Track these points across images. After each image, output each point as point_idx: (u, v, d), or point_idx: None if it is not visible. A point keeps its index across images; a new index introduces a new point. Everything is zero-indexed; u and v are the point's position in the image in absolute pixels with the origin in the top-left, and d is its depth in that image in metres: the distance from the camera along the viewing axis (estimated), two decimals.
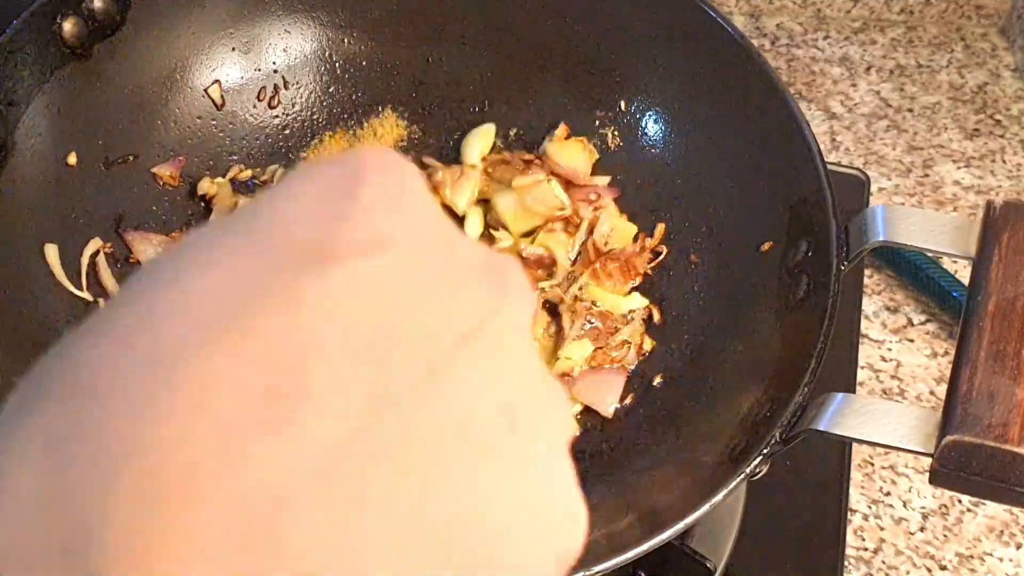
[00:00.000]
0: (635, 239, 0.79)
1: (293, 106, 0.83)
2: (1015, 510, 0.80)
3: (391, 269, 0.25)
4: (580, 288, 0.76)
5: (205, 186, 0.78)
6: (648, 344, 0.75)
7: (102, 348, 0.23)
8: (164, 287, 0.24)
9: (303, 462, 0.22)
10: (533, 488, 0.27)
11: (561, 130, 0.82)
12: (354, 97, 0.84)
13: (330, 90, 0.84)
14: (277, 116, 0.83)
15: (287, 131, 0.83)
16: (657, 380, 0.74)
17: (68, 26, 0.71)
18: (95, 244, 0.74)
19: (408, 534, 0.23)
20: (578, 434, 0.68)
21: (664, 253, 0.78)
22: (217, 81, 0.81)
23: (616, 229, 0.78)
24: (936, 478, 0.55)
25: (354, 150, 0.28)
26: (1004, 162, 1.01)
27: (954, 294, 0.88)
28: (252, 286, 0.23)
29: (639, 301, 0.76)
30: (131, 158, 0.77)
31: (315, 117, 0.83)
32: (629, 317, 0.76)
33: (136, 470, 0.21)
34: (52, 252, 0.71)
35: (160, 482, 0.21)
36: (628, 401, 0.74)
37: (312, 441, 0.22)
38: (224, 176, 0.80)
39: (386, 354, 0.24)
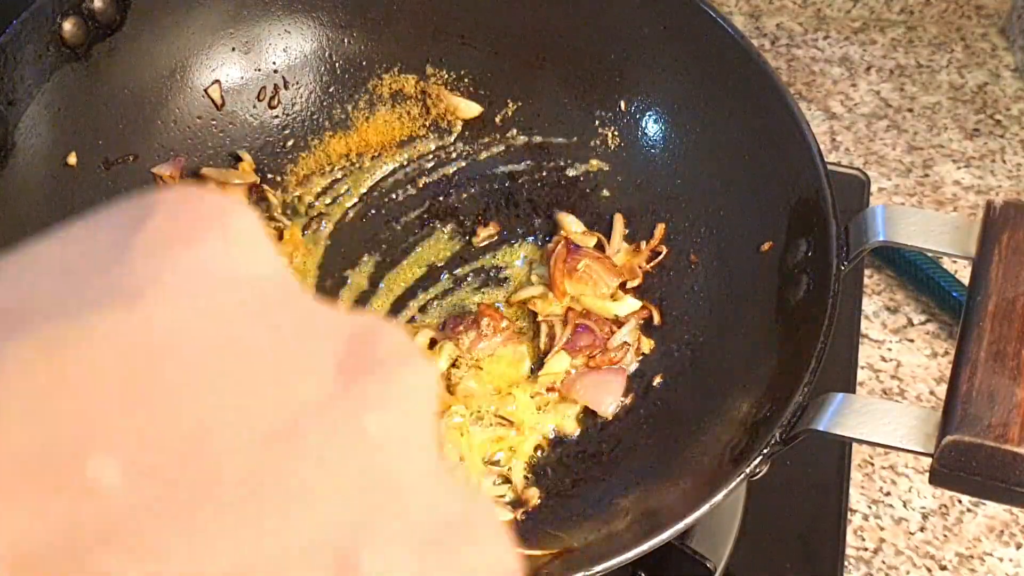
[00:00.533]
0: (631, 240, 0.79)
1: (293, 106, 0.83)
2: (1015, 510, 0.80)
3: (130, 337, 0.18)
4: (573, 299, 0.76)
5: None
6: (647, 345, 0.75)
7: None
8: None
9: None
10: None
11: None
12: (354, 97, 0.84)
13: (330, 90, 0.84)
14: (277, 116, 0.83)
15: (287, 131, 0.83)
16: (657, 380, 0.74)
17: (68, 26, 0.71)
18: None
19: None
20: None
21: (664, 253, 0.78)
22: (217, 81, 0.81)
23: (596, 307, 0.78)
24: (936, 478, 0.55)
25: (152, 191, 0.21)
26: (1004, 162, 1.01)
27: (954, 294, 0.88)
28: None
29: (632, 304, 0.76)
30: (131, 158, 0.77)
31: (315, 117, 0.83)
32: (625, 319, 0.76)
33: None
34: None
35: None
36: (628, 401, 0.74)
37: None
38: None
39: (75, 469, 0.17)
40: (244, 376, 0.19)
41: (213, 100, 0.80)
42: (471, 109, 0.84)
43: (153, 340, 0.18)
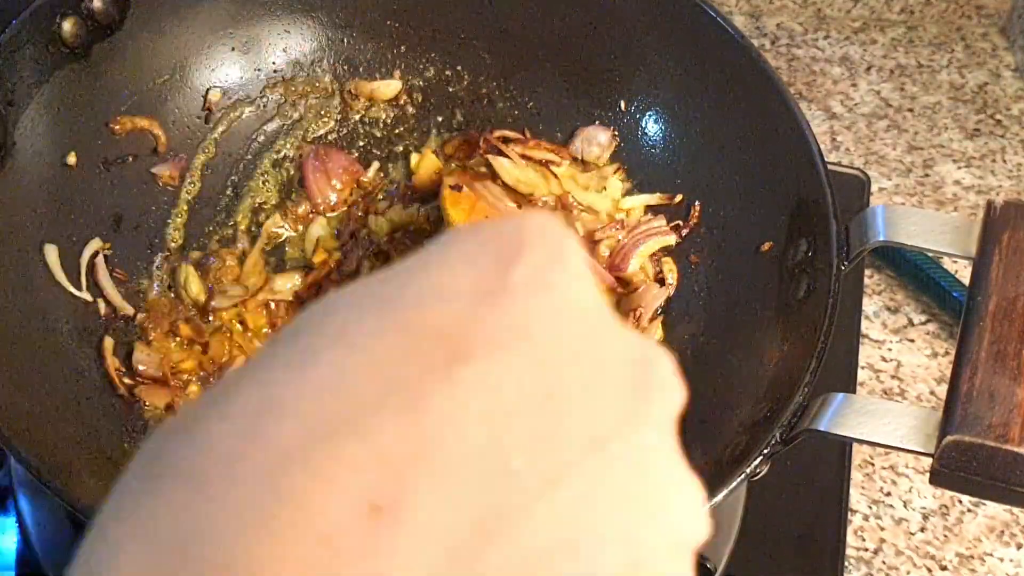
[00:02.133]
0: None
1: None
2: (1015, 510, 0.80)
3: (524, 367, 0.24)
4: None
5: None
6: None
7: (222, 435, 0.23)
8: (295, 367, 0.24)
9: None
10: None
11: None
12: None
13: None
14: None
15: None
16: None
17: (68, 26, 0.71)
18: (95, 244, 0.74)
19: None
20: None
21: (696, 222, 0.78)
22: (217, 83, 0.80)
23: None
24: (936, 478, 0.55)
25: (518, 217, 0.27)
26: (1004, 162, 1.01)
27: (954, 294, 0.88)
28: (377, 379, 0.23)
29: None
30: (131, 158, 0.77)
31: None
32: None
33: None
34: (52, 252, 0.71)
35: None
36: None
37: (406, 565, 0.21)
38: None
39: (503, 463, 0.23)
40: (587, 394, 0.25)
41: (213, 101, 0.80)
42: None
43: (542, 372, 0.24)
